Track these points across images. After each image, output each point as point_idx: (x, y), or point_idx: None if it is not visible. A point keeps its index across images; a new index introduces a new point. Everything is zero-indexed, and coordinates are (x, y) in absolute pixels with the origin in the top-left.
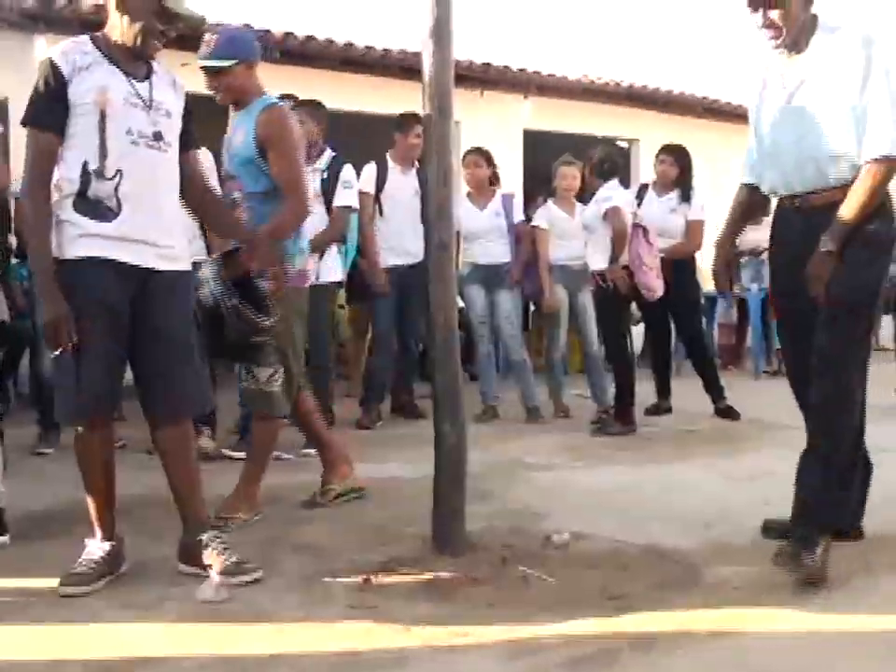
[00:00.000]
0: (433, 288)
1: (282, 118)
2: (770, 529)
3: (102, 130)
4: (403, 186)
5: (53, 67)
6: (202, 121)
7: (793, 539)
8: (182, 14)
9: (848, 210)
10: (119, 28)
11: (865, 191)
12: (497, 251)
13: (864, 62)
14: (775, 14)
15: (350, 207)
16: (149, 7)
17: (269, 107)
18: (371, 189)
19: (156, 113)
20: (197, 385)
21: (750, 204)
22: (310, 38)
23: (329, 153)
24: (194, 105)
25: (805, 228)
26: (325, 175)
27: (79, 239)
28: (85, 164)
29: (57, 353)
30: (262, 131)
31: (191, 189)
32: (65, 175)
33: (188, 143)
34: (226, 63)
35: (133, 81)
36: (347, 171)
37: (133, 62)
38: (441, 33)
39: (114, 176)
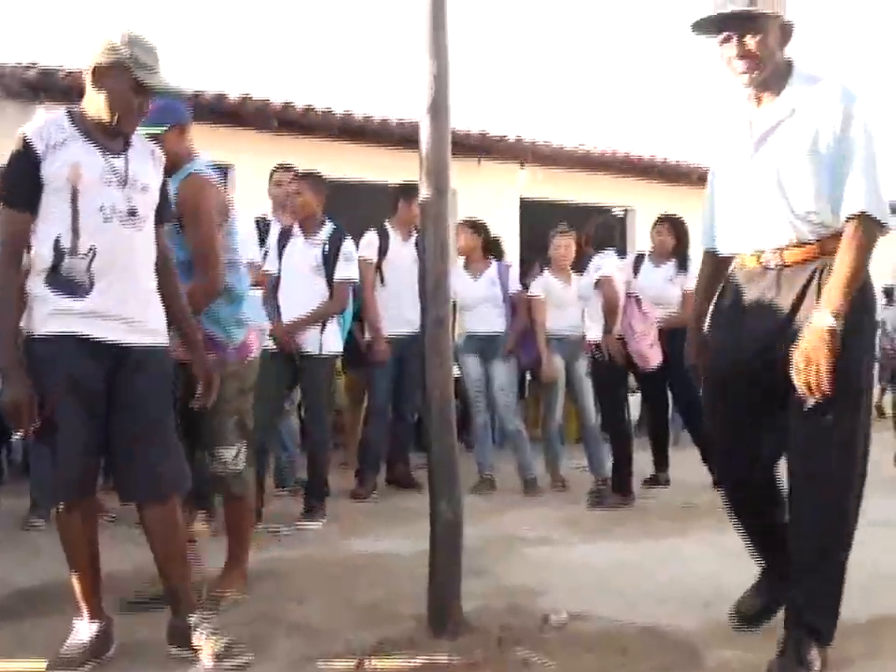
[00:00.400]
0: (429, 364)
1: (199, 186)
2: (738, 614)
3: (74, 207)
4: (404, 254)
5: (26, 144)
6: None
7: (787, 649)
8: (160, 89)
9: (841, 279)
10: (96, 104)
11: (853, 254)
12: (492, 321)
13: (842, 115)
14: (752, 42)
15: (351, 280)
16: (125, 84)
17: (189, 175)
18: (373, 257)
19: (131, 188)
20: (174, 463)
21: (718, 275)
22: (309, 108)
23: (329, 226)
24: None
25: (773, 287)
26: (326, 249)
27: (51, 315)
28: (57, 241)
29: (19, 434)
30: (179, 197)
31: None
32: (38, 251)
33: (161, 217)
34: (157, 130)
35: (108, 156)
36: (348, 244)
37: (110, 136)
38: (438, 109)
39: (87, 254)
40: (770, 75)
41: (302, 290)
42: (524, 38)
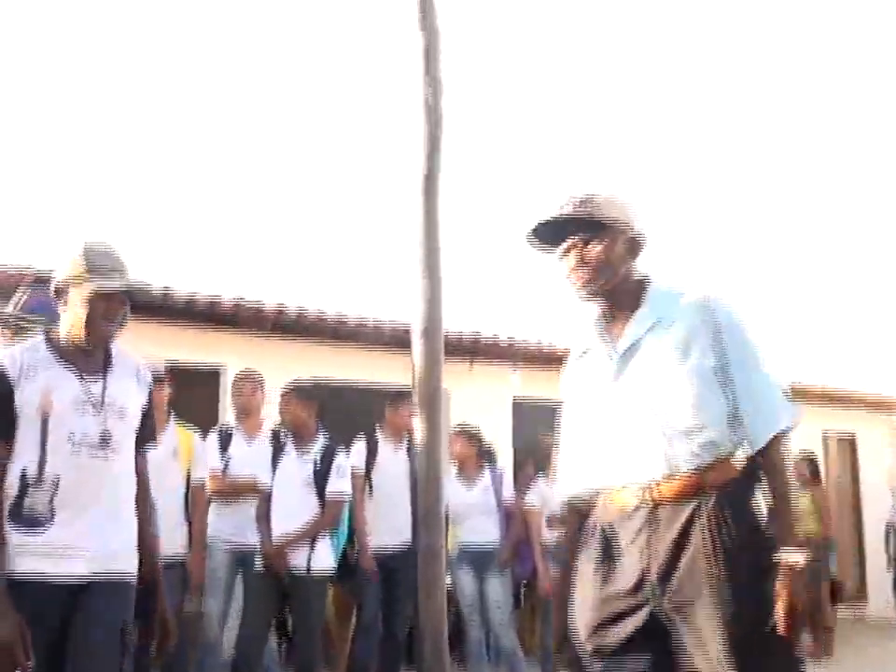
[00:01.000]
0: (422, 596)
1: None
2: None
3: (43, 435)
4: (394, 462)
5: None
6: (189, 393)
7: None
8: (114, 290)
9: (790, 509)
10: (67, 323)
11: (784, 476)
12: (486, 531)
13: (713, 328)
14: (593, 250)
15: (343, 496)
16: (86, 295)
17: None
18: (362, 466)
19: (107, 414)
20: None
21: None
22: (302, 312)
23: (322, 438)
24: (184, 377)
25: (645, 530)
26: (318, 463)
27: (14, 553)
28: (24, 472)
29: None
30: None
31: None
32: (8, 482)
33: (139, 442)
34: (35, 322)
35: (84, 380)
36: (341, 458)
37: (87, 356)
38: (431, 333)
39: (51, 485)
40: (619, 288)
41: (294, 505)
42: (515, 239)
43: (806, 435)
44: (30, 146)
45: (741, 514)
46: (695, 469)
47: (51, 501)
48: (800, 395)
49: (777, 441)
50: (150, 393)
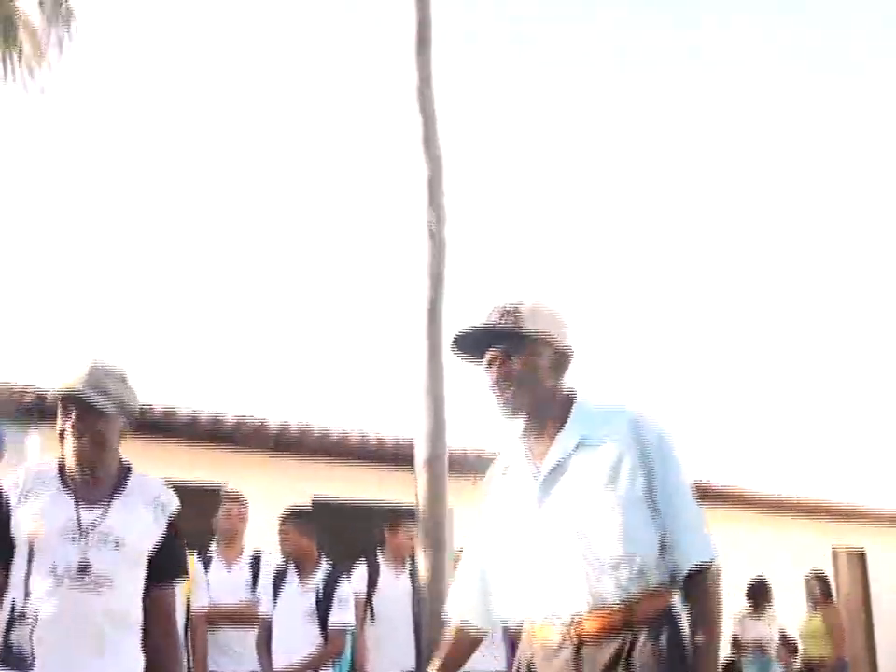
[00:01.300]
0: None
1: None
2: None
3: (29, 565)
4: (395, 587)
5: None
6: (189, 513)
7: None
8: (91, 405)
9: (713, 645)
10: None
11: (716, 609)
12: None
13: (640, 450)
14: (516, 363)
15: (347, 626)
16: (58, 408)
17: None
18: (363, 591)
19: (97, 543)
20: None
21: (466, 653)
22: (305, 429)
23: (324, 566)
24: (184, 497)
25: (570, 668)
26: (320, 593)
27: None
28: (13, 603)
29: None
30: None
31: (147, 633)
32: (2, 615)
33: (158, 576)
34: None
35: (81, 507)
36: (343, 588)
37: (93, 482)
38: (435, 462)
39: (32, 619)
40: (544, 404)
41: (295, 636)
42: None
43: (816, 550)
44: (34, 265)
45: (673, 649)
46: (623, 603)
47: (31, 640)
48: (808, 510)
49: (706, 569)
50: (172, 524)
